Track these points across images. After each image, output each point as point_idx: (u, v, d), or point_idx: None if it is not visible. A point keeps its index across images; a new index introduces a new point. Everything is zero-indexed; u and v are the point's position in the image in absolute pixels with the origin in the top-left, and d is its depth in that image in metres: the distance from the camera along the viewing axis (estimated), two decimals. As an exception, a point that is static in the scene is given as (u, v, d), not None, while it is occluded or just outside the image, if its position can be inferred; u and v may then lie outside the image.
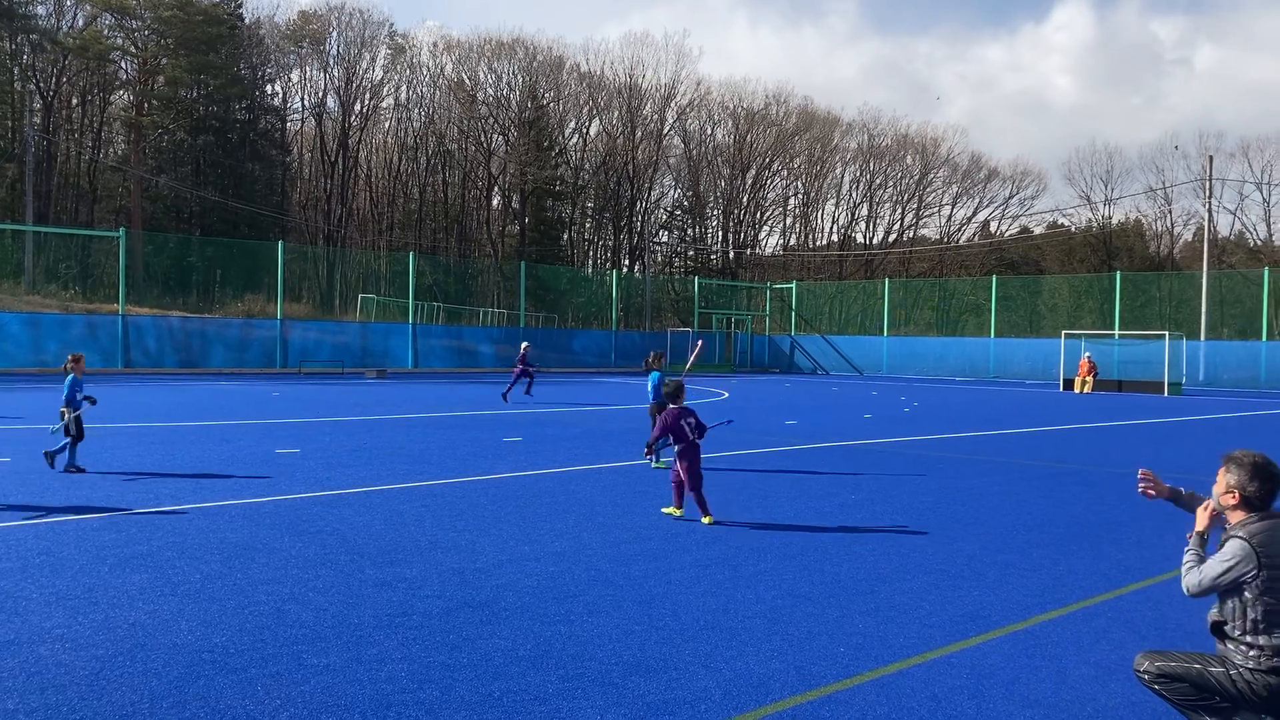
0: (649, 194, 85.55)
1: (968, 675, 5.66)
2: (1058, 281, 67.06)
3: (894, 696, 5.29)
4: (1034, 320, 60.43)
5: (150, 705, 4.95)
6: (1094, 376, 41.02)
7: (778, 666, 5.72)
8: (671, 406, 10.29)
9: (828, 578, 7.83)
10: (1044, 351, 50.73)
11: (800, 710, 5.07)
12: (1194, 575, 4.70)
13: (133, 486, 11.52)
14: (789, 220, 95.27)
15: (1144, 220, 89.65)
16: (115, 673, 5.40)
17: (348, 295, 64.18)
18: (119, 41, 66.03)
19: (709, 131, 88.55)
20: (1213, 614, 4.83)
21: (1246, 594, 4.58)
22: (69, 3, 65.08)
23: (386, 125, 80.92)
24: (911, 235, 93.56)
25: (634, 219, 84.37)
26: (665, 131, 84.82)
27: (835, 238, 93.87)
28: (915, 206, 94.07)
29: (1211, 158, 58.87)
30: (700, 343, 22.84)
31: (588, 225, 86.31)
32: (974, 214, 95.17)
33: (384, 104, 79.23)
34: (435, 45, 79.14)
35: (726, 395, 32.47)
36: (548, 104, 79.55)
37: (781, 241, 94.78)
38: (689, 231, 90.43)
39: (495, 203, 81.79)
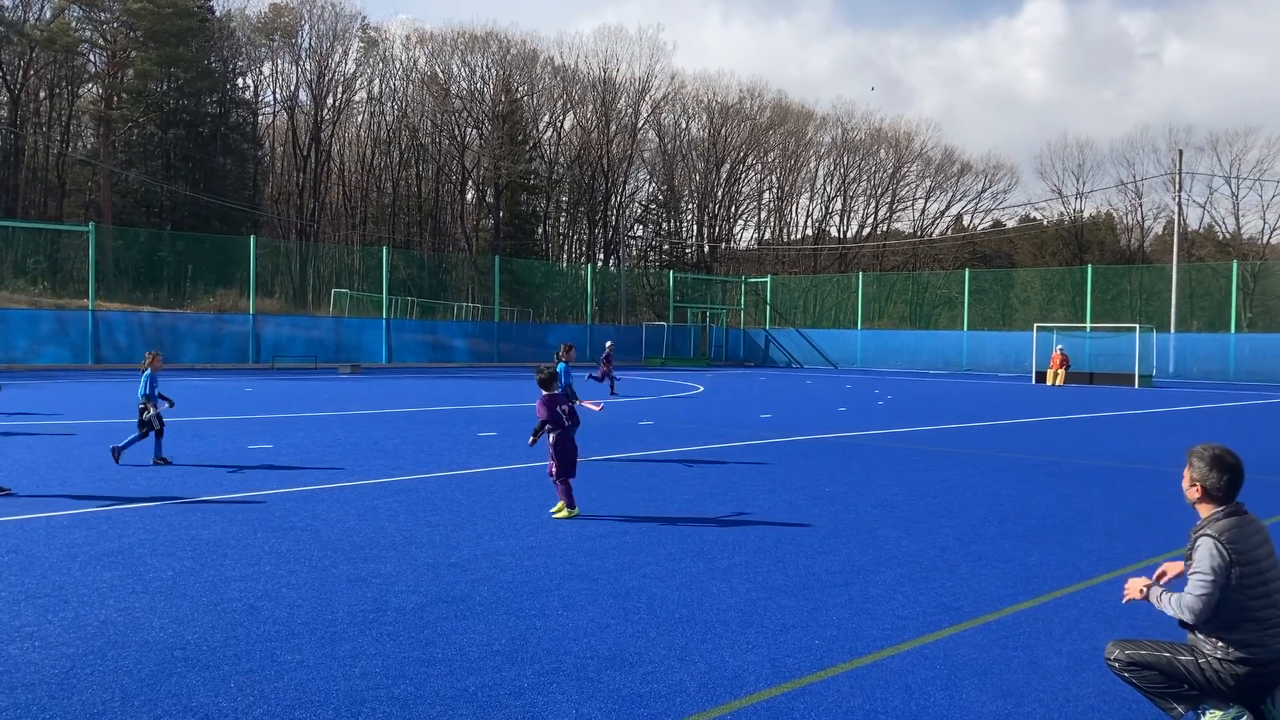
0: (624, 188, 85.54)
1: (941, 666, 5.69)
2: (1030, 275, 67.55)
3: (868, 688, 5.32)
4: (1006, 313, 60.85)
5: (122, 703, 4.91)
6: (1066, 369, 41.35)
7: (752, 659, 5.74)
8: (545, 394, 10.24)
9: (802, 570, 7.86)
10: (1016, 344, 51.10)
11: (775, 702, 5.09)
12: (1187, 602, 4.68)
13: (103, 483, 11.42)
14: (763, 214, 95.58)
15: (1115, 214, 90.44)
16: (86, 671, 5.35)
17: (321, 290, 63.84)
18: (87, 34, 65.30)
19: (683, 125, 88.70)
20: None
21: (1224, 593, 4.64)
22: (36, -6, 64.35)
23: (359, 119, 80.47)
24: (885, 229, 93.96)
25: (609, 213, 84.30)
26: (640, 125, 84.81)
27: (810, 232, 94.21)
28: (889, 200, 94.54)
29: (1181, 152, 59.41)
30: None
31: (562, 219, 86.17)
32: (947, 208, 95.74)
33: (356, 97, 78.88)
34: (408, 38, 78.82)
35: (701, 389, 32.51)
36: (522, 98, 79.32)
37: (756, 235, 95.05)
38: (664, 226, 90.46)
39: (469, 197, 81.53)
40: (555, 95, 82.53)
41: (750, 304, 68.56)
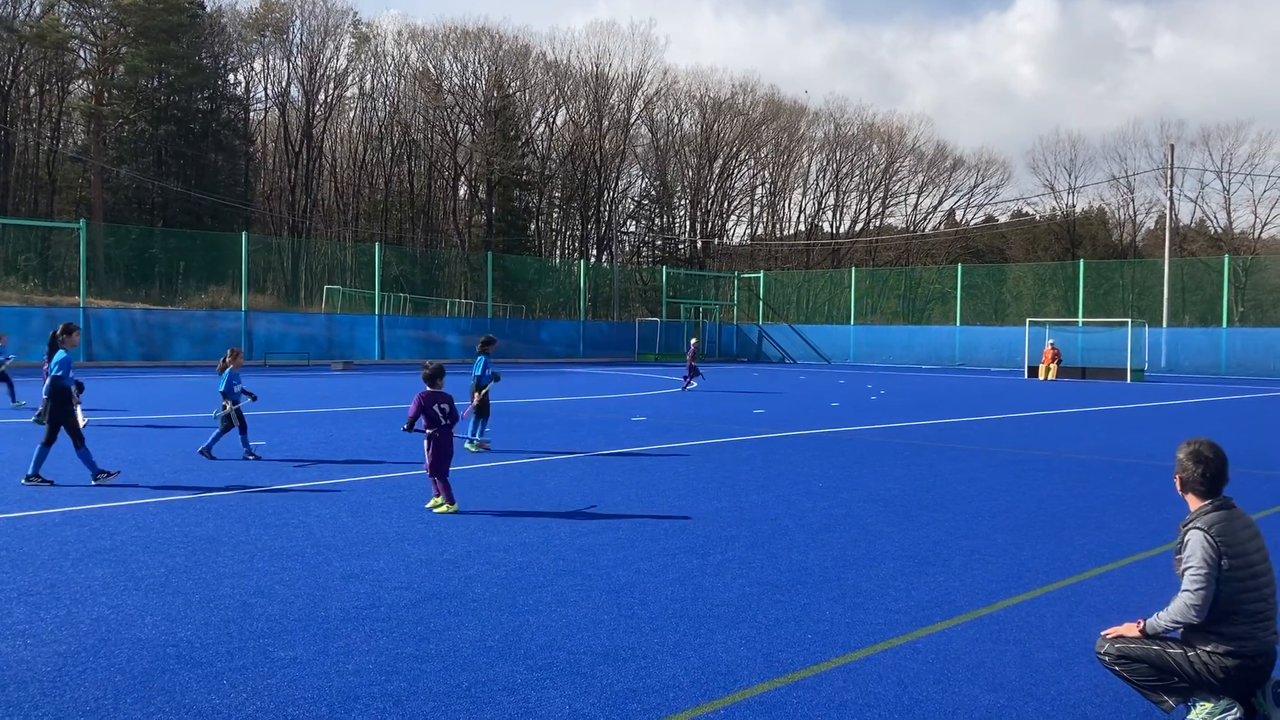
0: (616, 184, 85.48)
1: (933, 660, 5.71)
2: (1022, 269, 67.63)
3: (861, 682, 5.34)
4: (999, 308, 60.92)
5: (114, 700, 4.90)
6: (1058, 363, 41.43)
7: (745, 654, 5.75)
8: (428, 389, 10.24)
9: (795, 565, 7.87)
10: (1009, 339, 51.19)
11: (768, 697, 5.10)
12: (1186, 601, 4.72)
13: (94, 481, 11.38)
14: (756, 210, 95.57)
15: (1107, 208, 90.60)
16: (78, 668, 5.34)
17: (313, 286, 63.73)
18: (77, 30, 65.08)
19: (676, 121, 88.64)
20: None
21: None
22: (25, -10, 64.10)
23: (351, 115, 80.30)
24: (878, 224, 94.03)
25: (601, 209, 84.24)
26: (632, 121, 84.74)
27: (802, 227, 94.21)
28: (881, 195, 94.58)
29: (1173, 146, 59.50)
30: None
31: (555, 215, 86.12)
32: (940, 203, 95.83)
33: (348, 93, 78.70)
34: (400, 34, 78.67)
35: (695, 385, 32.52)
36: (514, 93, 79.21)
37: (749, 231, 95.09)
38: (656, 221, 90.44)
39: (462, 193, 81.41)
40: (548, 91, 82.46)
41: (743, 299, 68.57)
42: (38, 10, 64.20)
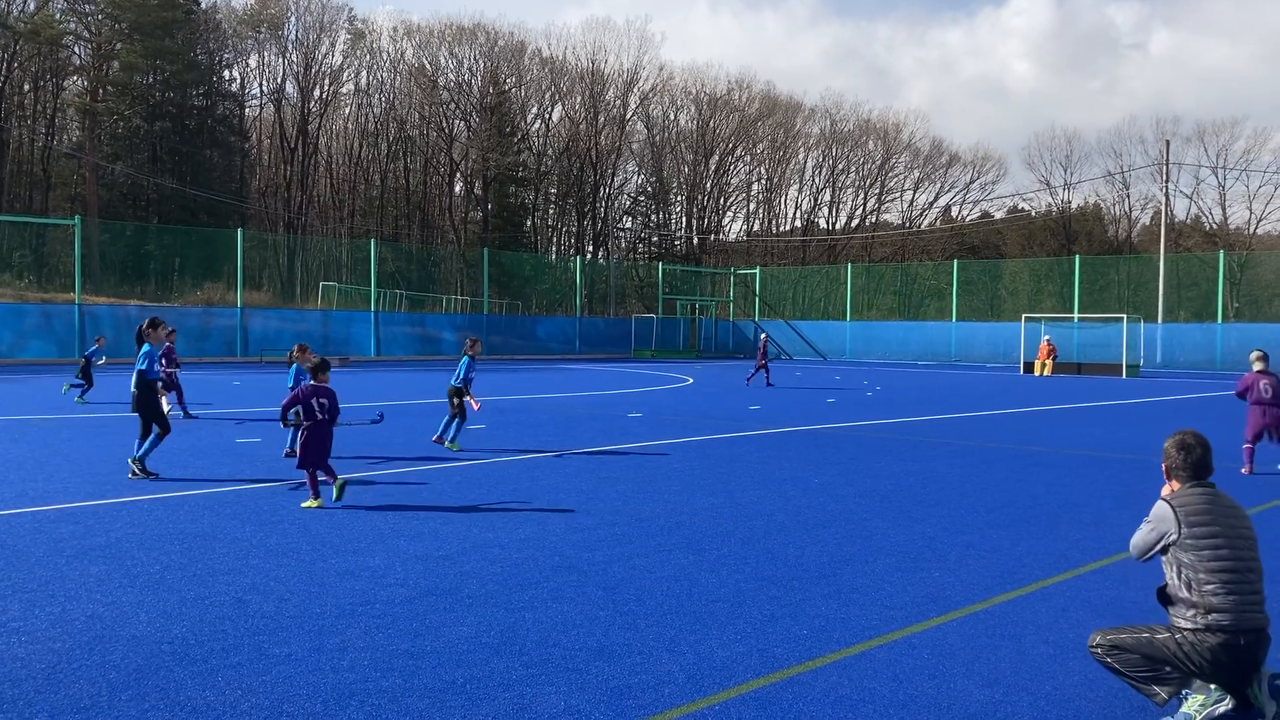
0: (612, 180, 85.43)
1: (928, 655, 5.71)
2: (1018, 265, 67.73)
3: (856, 678, 5.34)
4: (995, 304, 61.00)
5: (109, 697, 4.90)
6: (1054, 359, 41.49)
7: (741, 650, 5.75)
8: (309, 383, 10.23)
9: (790, 561, 7.87)
10: (1005, 335, 51.25)
11: (763, 693, 5.11)
12: (1133, 540, 5.16)
13: (91, 477, 11.38)
14: (752, 206, 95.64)
15: (1102, 204, 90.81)
16: (73, 665, 5.34)
17: (309, 283, 63.64)
18: (72, 26, 64.91)
19: (672, 117, 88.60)
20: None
21: (1177, 555, 4.87)
22: (20, -14, 63.92)
23: (346, 111, 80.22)
24: (874, 220, 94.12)
25: (597, 205, 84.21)
26: (628, 117, 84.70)
27: (799, 223, 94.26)
28: (877, 192, 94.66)
29: (1168, 142, 59.56)
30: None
31: (551, 211, 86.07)
32: (935, 199, 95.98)
33: (344, 89, 78.62)
34: (395, 30, 78.59)
35: (690, 381, 32.54)
36: (510, 89, 79.12)
37: (745, 227, 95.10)
38: (653, 217, 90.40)
39: (457, 189, 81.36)
40: (543, 87, 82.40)
41: (739, 296, 68.59)
42: (32, 6, 64.03)
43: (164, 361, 18.03)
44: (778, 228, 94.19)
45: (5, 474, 11.54)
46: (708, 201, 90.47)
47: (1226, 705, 4.76)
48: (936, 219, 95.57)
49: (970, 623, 6.36)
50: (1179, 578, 4.88)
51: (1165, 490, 5.17)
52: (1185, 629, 4.80)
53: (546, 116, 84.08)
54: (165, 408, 11.25)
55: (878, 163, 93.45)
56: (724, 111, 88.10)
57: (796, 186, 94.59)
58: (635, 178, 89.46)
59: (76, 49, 66.25)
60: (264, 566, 7.47)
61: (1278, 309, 57.41)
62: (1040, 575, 7.59)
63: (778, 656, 5.65)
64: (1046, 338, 43.01)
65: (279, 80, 75.02)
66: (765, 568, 7.65)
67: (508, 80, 79.10)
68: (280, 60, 74.71)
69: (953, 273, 57.29)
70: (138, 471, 11.32)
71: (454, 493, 10.72)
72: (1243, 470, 13.26)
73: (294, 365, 13.57)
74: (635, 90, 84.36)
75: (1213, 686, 4.82)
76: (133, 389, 11.63)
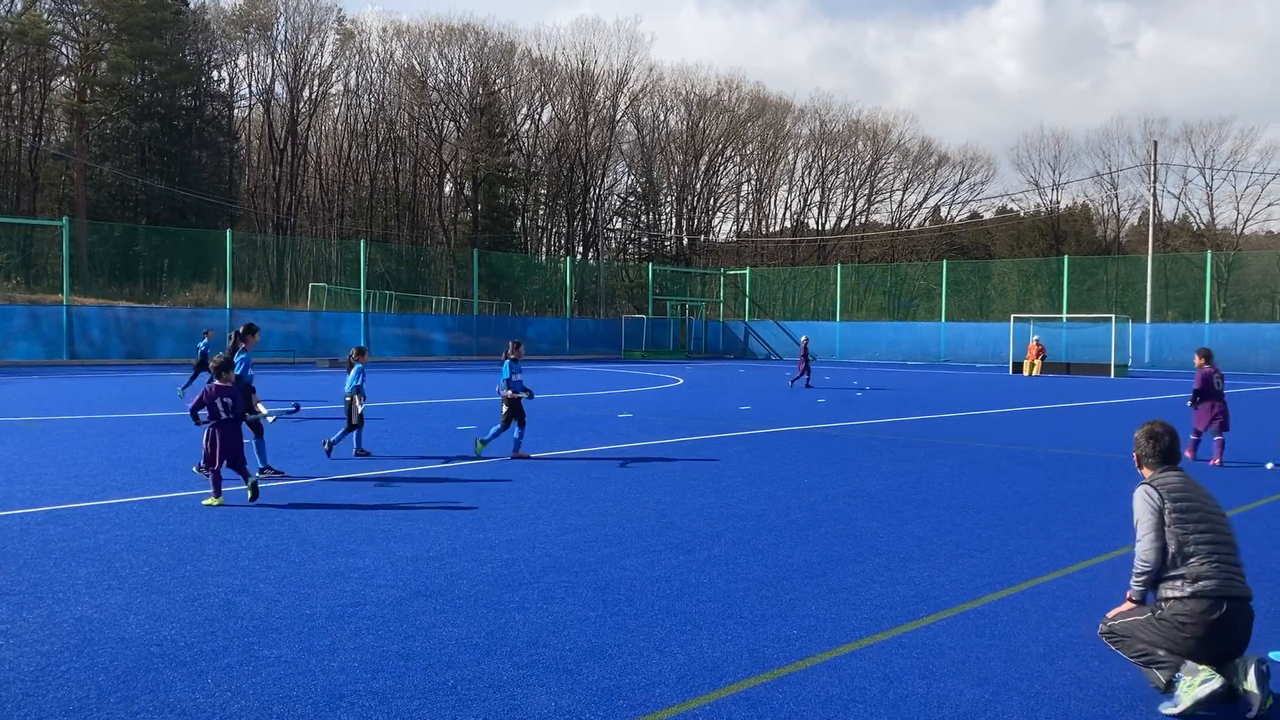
0: (602, 180, 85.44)
1: (919, 655, 5.73)
2: (1007, 266, 67.88)
3: (846, 677, 5.35)
4: (984, 304, 61.14)
5: (98, 700, 4.88)
6: (1042, 359, 41.62)
7: (731, 650, 5.75)
8: (215, 383, 10.25)
9: (781, 561, 7.88)
10: (994, 335, 51.37)
11: (753, 693, 5.11)
12: (1137, 552, 5.23)
13: (80, 479, 11.34)
14: (742, 206, 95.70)
15: (1091, 205, 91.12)
16: (61, 668, 5.31)
17: (298, 284, 63.51)
18: (59, 26, 64.64)
19: (662, 118, 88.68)
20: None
21: (1164, 532, 5.08)
22: (7, -14, 63.67)
23: (336, 112, 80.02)
24: (863, 221, 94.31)
25: (587, 205, 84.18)
26: (618, 118, 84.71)
27: (788, 224, 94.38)
28: (867, 192, 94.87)
29: (1156, 143, 59.78)
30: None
31: (541, 212, 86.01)
32: (925, 199, 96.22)
33: (333, 90, 78.41)
34: (384, 31, 78.43)
35: (681, 382, 32.55)
36: (499, 90, 79.08)
37: (735, 228, 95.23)
38: (643, 218, 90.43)
39: (447, 190, 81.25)
40: (533, 87, 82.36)
41: (729, 296, 68.62)
42: (19, 6, 63.75)
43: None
44: (767, 228, 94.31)
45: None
46: (697, 202, 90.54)
47: (1214, 685, 4.79)
48: (926, 219, 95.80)
49: (960, 622, 6.37)
50: (1167, 555, 5.07)
51: (1145, 475, 5.43)
52: (1172, 598, 4.99)
53: (536, 117, 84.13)
54: (270, 417, 11.66)
55: (867, 163, 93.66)
56: (713, 112, 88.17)
57: (786, 187, 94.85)
58: (625, 178, 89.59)
59: (64, 49, 65.99)
60: (253, 568, 7.45)
61: (1264, 309, 57.75)
62: (1029, 574, 7.61)
63: (768, 656, 5.65)
64: (1035, 338, 43.15)
65: (268, 81, 74.91)
66: (755, 568, 7.66)
67: (497, 81, 79.05)
68: (269, 61, 74.59)
69: (942, 273, 57.40)
70: (270, 473, 11.91)
71: (443, 494, 10.71)
72: (1213, 462, 13.62)
73: (355, 367, 13.77)
74: (625, 91, 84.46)
75: (1201, 668, 4.88)
76: None
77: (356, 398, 13.44)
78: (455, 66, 78.18)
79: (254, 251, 63.53)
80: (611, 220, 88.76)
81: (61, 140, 67.22)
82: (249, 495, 9.93)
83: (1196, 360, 14.35)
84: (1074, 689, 5.25)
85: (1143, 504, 5.20)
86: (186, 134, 67.05)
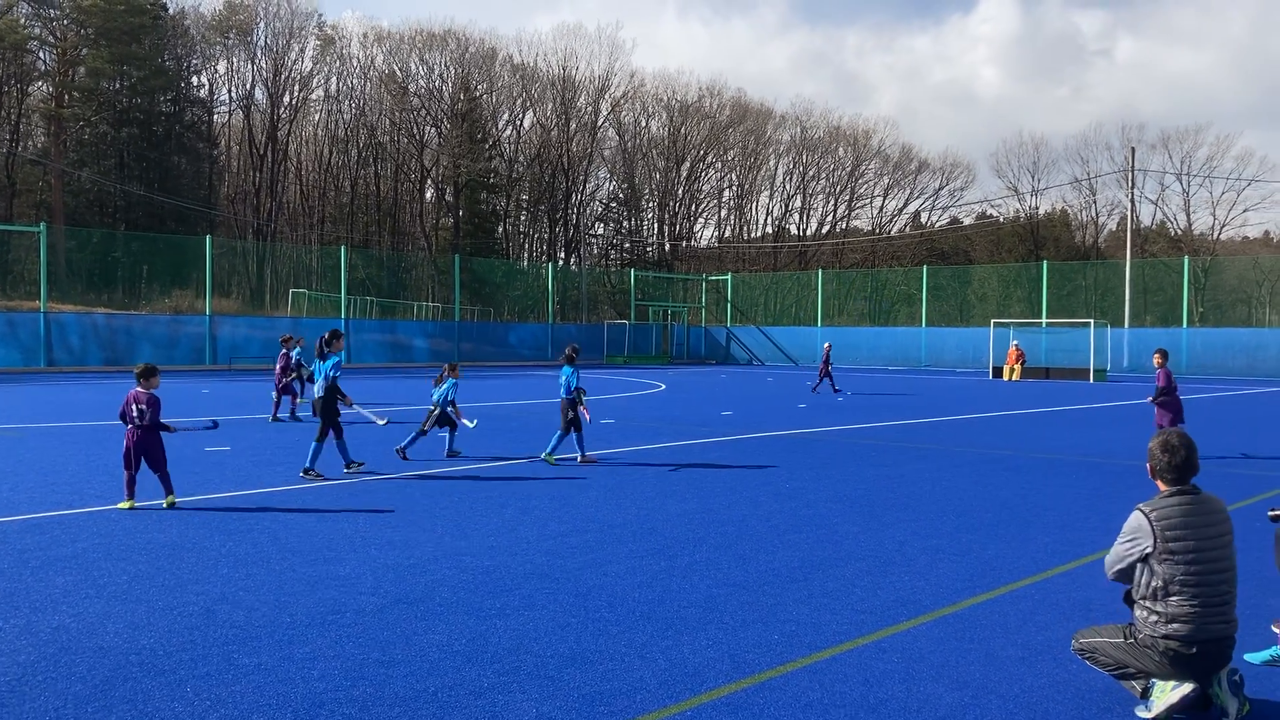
0: (584, 186, 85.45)
1: (899, 659, 5.75)
2: (987, 271, 68.25)
3: (826, 682, 5.36)
4: (964, 309, 61.44)
5: (75, 710, 4.85)
6: (1022, 364, 41.84)
7: (713, 655, 5.76)
8: (136, 389, 10.26)
9: (762, 566, 7.90)
10: (974, 340, 51.62)
11: (735, 698, 5.12)
12: (1108, 558, 5.17)
13: (57, 487, 11.26)
14: (724, 212, 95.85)
15: (1070, 210, 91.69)
16: (38, 678, 5.28)
17: (279, 290, 63.23)
18: (37, 31, 64.22)
19: (643, 124, 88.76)
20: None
21: (1151, 563, 4.92)
22: (-17, -9, 63.19)
23: (316, 117, 79.77)
24: (844, 227, 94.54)
25: (569, 211, 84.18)
26: (599, 124, 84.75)
27: (770, 229, 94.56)
28: (848, 198, 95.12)
29: (1134, 149, 60.23)
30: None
31: (522, 218, 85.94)
32: (905, 205, 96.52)
33: (314, 96, 78.18)
34: (365, 36, 78.29)
35: (663, 387, 32.57)
36: (480, 96, 79.01)
37: (717, 233, 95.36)
38: (625, 224, 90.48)
39: (428, 196, 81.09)
40: (514, 93, 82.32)
41: (711, 302, 68.72)
42: (-4, 11, 63.34)
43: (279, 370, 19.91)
44: (749, 234, 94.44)
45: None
46: (679, 208, 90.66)
47: (1187, 690, 4.83)
48: (906, 225, 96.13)
49: (940, 626, 6.40)
50: (1148, 585, 4.94)
51: (1160, 489, 5.14)
52: (1144, 633, 4.93)
53: (518, 123, 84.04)
54: (381, 420, 12.21)
55: (848, 169, 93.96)
56: (695, 118, 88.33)
57: (767, 193, 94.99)
58: (607, 184, 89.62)
59: (41, 54, 65.56)
60: (233, 576, 7.41)
61: (1241, 313, 58.24)
62: (1009, 579, 7.65)
63: (749, 661, 5.67)
64: (1015, 343, 43.39)
65: (248, 86, 74.61)
66: (737, 573, 7.67)
67: (479, 87, 78.98)
68: (249, 66, 74.26)
69: (922, 278, 57.65)
70: (353, 467, 12.77)
71: (424, 500, 10.68)
72: None
73: (448, 381, 14.46)
74: (606, 97, 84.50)
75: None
76: (319, 394, 12.85)
77: (450, 409, 14.34)
78: (436, 72, 78.16)
79: (234, 258, 63.25)
80: (593, 226, 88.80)
81: (39, 145, 66.75)
82: (165, 505, 10.08)
83: (1156, 360, 14.79)
84: (1052, 692, 5.29)
85: (1128, 541, 5.00)
86: (166, 140, 66.72)
